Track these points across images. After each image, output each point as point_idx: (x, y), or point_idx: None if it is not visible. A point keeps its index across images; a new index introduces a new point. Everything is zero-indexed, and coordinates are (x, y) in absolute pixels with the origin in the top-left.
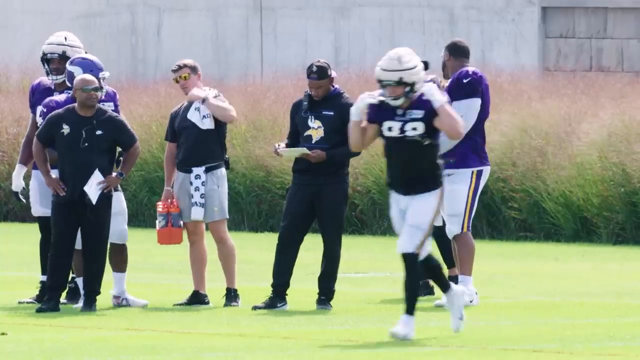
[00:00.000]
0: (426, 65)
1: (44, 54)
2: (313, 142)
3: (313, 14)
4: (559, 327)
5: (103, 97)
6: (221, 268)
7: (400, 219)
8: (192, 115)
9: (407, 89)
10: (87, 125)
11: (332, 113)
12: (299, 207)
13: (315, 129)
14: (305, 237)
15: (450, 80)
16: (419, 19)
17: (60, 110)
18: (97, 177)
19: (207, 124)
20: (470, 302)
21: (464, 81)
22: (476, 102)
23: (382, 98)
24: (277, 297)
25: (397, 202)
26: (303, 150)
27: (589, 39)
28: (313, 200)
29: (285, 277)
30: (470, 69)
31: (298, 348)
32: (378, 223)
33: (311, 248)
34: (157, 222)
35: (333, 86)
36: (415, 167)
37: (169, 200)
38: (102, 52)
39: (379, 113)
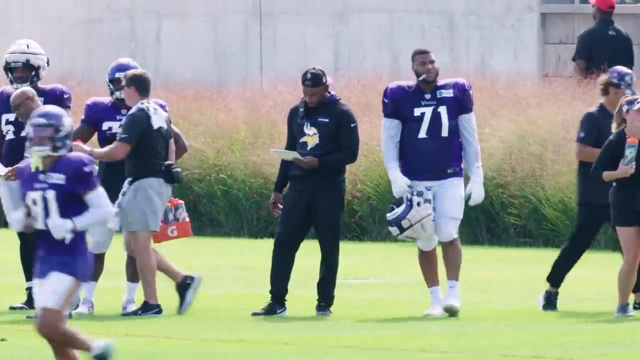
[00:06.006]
0: None
1: (7, 63)
2: (308, 148)
3: (312, 19)
4: (559, 333)
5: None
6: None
7: None
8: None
9: None
10: None
11: (328, 120)
12: (295, 213)
13: (311, 136)
14: (303, 243)
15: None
16: (418, 24)
17: None
18: None
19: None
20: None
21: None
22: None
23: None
24: (276, 303)
25: None
26: (295, 154)
27: None
28: (309, 207)
29: (283, 283)
30: (460, 80)
31: (298, 354)
32: (377, 229)
33: (310, 254)
34: None
35: (329, 92)
36: None
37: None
38: (101, 58)
39: None
